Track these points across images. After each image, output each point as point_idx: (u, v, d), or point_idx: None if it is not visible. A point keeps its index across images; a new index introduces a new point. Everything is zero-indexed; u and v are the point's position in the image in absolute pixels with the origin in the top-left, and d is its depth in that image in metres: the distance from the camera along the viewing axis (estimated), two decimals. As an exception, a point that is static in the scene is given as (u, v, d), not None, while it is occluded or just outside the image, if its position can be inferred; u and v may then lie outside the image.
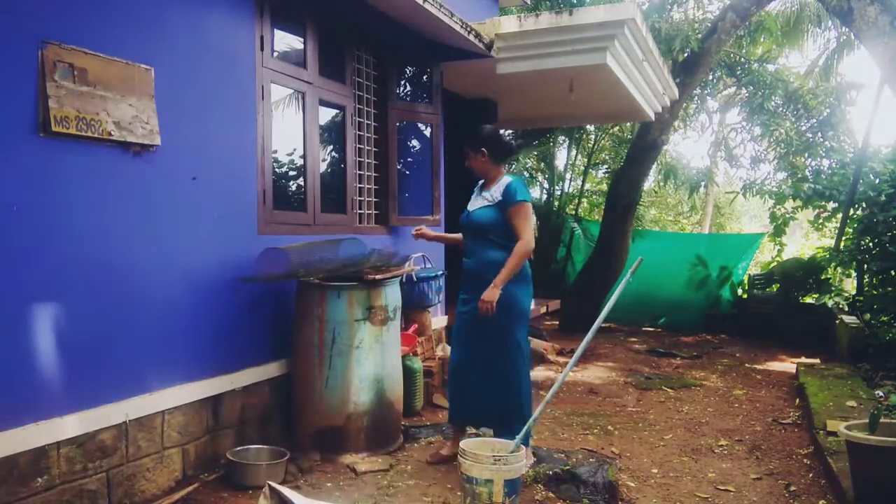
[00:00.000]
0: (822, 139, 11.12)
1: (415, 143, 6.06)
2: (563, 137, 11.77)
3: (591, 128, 11.92)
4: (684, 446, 4.45)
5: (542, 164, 12.53)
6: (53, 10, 2.80)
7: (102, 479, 3.00)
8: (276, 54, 4.19)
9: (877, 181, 7.59)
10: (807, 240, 14.20)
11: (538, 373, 6.63)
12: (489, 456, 2.96)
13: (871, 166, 8.21)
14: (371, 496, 3.30)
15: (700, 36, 8.91)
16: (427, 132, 5.93)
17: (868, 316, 7.44)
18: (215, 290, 3.63)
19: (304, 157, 4.44)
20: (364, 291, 3.85)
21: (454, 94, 7.00)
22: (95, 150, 2.96)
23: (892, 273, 6.93)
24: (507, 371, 3.60)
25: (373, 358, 3.87)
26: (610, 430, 4.76)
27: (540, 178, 12.88)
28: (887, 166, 7.56)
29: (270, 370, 4.03)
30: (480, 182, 3.82)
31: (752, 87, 11.43)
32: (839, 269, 9.06)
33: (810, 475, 3.93)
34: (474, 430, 3.94)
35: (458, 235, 3.98)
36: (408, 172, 5.85)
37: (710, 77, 11.66)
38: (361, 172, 5.09)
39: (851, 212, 8.36)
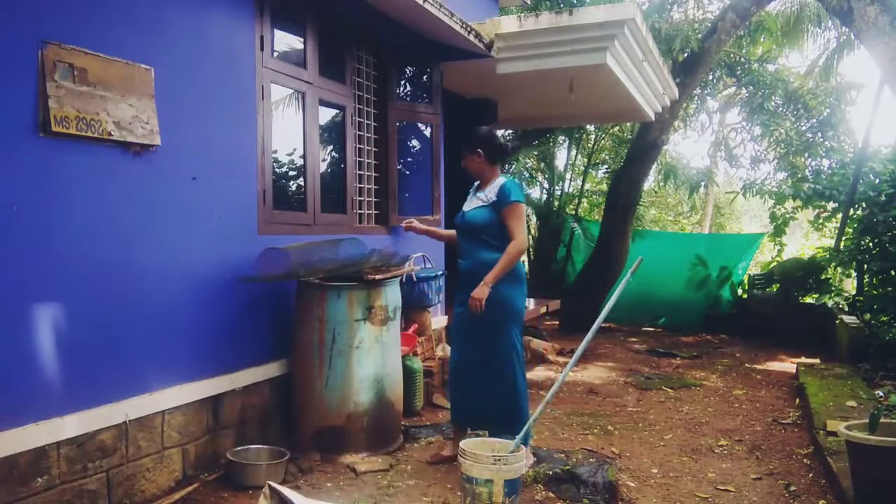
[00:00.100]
0: (822, 139, 11.11)
1: (415, 143, 6.06)
2: (563, 137, 11.76)
3: (591, 128, 11.92)
4: (684, 446, 4.45)
5: (542, 164, 12.52)
6: (53, 10, 2.80)
7: (102, 479, 3.00)
8: (276, 54, 4.19)
9: (877, 181, 7.59)
10: (807, 240, 14.20)
11: (538, 373, 6.63)
12: (489, 456, 2.96)
13: (871, 166, 8.21)
14: (371, 496, 3.30)
15: (700, 36, 8.91)
16: (427, 132, 5.93)
17: (868, 316, 7.45)
18: (215, 290, 3.63)
19: (304, 157, 4.44)
20: (364, 291, 3.85)
21: (454, 94, 7.00)
22: (95, 150, 2.96)
23: (892, 273, 6.93)
24: (504, 370, 3.62)
25: (373, 358, 3.87)
26: (610, 430, 4.76)
27: (540, 178, 12.86)
28: (887, 166, 7.56)
29: (270, 370, 4.03)
30: (476, 183, 3.85)
31: (752, 87, 11.43)
32: (839, 269, 9.06)
33: (810, 475, 3.93)
34: (473, 432, 3.94)
35: (451, 232, 4.02)
36: (408, 172, 5.85)
37: (710, 77, 11.66)
38: (361, 172, 5.09)
39: (851, 212, 8.36)
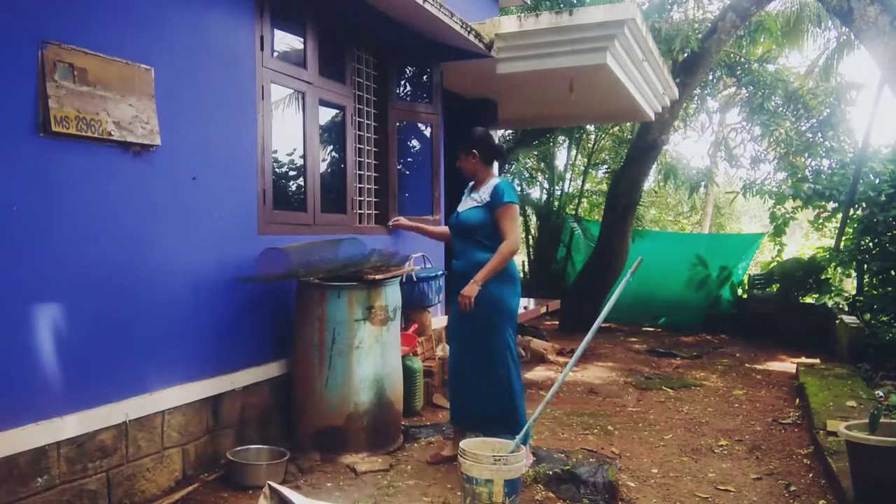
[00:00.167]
0: (822, 139, 11.11)
1: (415, 143, 6.07)
2: (563, 137, 11.76)
3: (591, 128, 11.92)
4: (684, 446, 4.45)
5: (542, 164, 12.52)
6: (53, 10, 2.80)
7: (102, 479, 3.00)
8: (276, 54, 4.19)
9: (877, 181, 7.59)
10: (807, 240, 14.19)
11: (538, 373, 6.63)
12: (489, 456, 2.96)
13: (871, 166, 8.21)
14: (371, 496, 3.30)
15: (700, 36, 8.91)
16: (427, 132, 5.93)
17: (868, 316, 7.45)
18: (215, 290, 3.63)
19: (304, 157, 4.44)
20: (364, 291, 3.85)
21: (454, 94, 6.99)
22: (95, 150, 2.96)
23: (892, 273, 6.93)
24: (497, 370, 3.64)
25: (373, 358, 3.87)
26: (610, 430, 4.76)
27: (540, 178, 12.87)
28: (887, 166, 7.56)
29: (270, 370, 4.03)
30: (471, 184, 3.87)
31: (752, 87, 11.43)
32: (839, 269, 9.06)
33: (810, 475, 3.93)
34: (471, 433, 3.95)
35: (443, 229, 4.09)
36: (408, 172, 5.85)
37: (710, 77, 11.66)
38: (361, 172, 5.09)
39: (851, 212, 8.36)
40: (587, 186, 13.02)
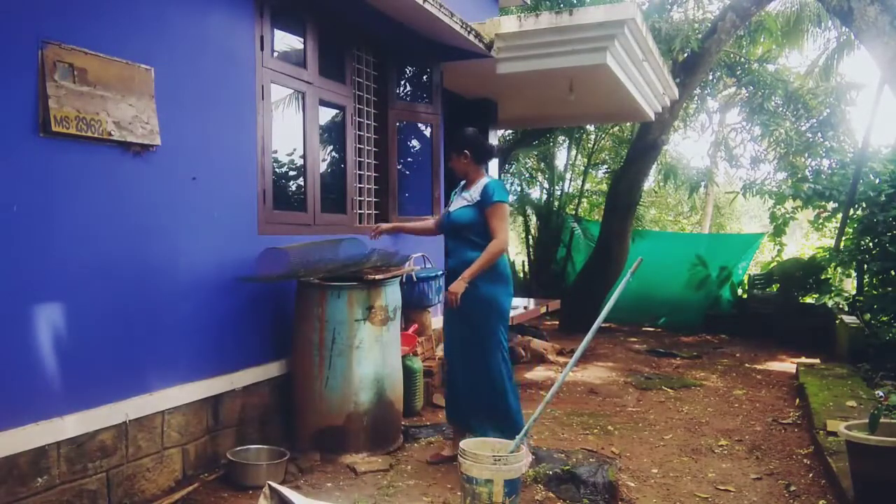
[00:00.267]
0: (822, 139, 11.10)
1: (415, 142, 6.06)
2: (563, 137, 11.76)
3: (591, 128, 11.92)
4: (684, 446, 4.44)
5: (542, 164, 12.53)
6: (53, 10, 2.80)
7: (102, 479, 3.00)
8: (276, 54, 4.19)
9: (877, 181, 7.59)
10: (807, 240, 14.19)
11: (538, 373, 6.63)
12: (489, 456, 2.96)
13: (871, 166, 8.21)
14: (371, 496, 3.30)
15: (700, 36, 8.90)
16: (427, 132, 5.93)
17: (868, 316, 7.44)
18: (215, 290, 3.63)
19: (303, 157, 4.44)
20: (364, 291, 3.85)
21: (454, 94, 7.00)
22: (95, 150, 2.97)
23: (892, 273, 6.93)
24: (489, 368, 3.67)
25: (373, 358, 3.87)
26: (610, 430, 4.75)
27: (540, 178, 12.87)
28: (887, 166, 7.55)
29: (270, 370, 4.03)
30: (462, 183, 3.91)
31: (752, 87, 11.42)
32: (839, 269, 9.06)
33: (810, 475, 3.93)
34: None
35: (424, 223, 4.19)
36: (408, 172, 5.85)
37: (710, 77, 11.65)
38: (361, 172, 5.09)
39: (851, 212, 8.35)
40: (587, 186, 13.02)
